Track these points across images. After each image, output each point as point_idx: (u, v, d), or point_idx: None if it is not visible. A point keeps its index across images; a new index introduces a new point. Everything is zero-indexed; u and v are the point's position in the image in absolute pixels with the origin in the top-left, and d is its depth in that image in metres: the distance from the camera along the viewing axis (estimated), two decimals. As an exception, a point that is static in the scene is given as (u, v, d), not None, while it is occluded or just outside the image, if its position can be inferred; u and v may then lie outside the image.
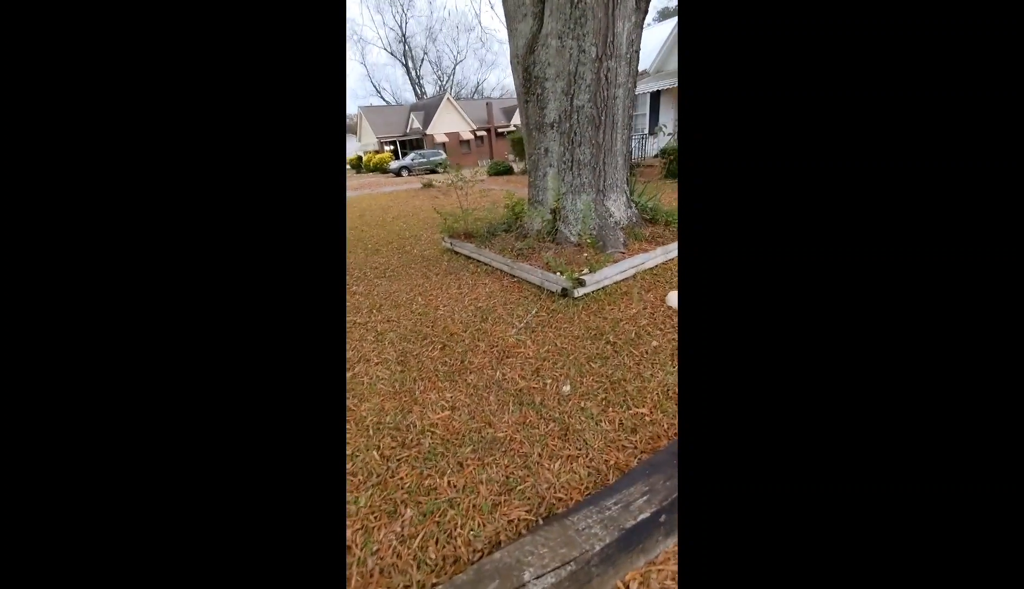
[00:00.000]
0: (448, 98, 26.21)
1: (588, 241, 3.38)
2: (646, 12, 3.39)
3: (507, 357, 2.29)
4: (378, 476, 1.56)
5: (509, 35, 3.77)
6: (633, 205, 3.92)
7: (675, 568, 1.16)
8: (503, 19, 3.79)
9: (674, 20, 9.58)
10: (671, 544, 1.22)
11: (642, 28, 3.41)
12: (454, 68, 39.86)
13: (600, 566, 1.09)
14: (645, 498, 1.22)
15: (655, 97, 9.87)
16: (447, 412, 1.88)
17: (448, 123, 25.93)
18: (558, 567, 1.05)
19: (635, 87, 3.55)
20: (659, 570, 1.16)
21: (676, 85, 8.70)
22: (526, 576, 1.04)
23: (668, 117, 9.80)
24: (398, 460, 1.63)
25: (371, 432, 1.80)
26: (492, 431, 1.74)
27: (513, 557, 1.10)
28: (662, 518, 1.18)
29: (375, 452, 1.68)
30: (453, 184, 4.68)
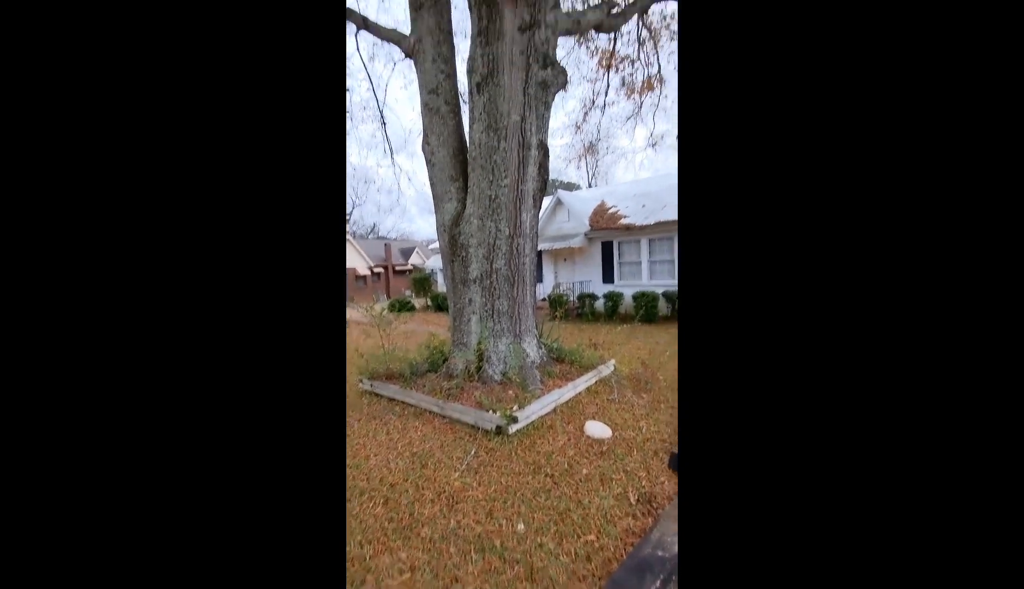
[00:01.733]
0: (347, 237, 27.29)
1: (516, 380, 3.80)
2: (540, 208, 4.68)
3: (457, 503, 2.31)
4: (339, 671, 1.38)
5: (436, 209, 4.66)
6: (542, 346, 4.61)
7: (658, 685, 1.30)
8: (418, 187, 4.69)
9: (547, 199, 12.66)
10: (649, 662, 1.37)
11: (538, 217, 4.63)
12: (352, 211, 42.65)
13: None
14: (621, 618, 1.39)
15: (539, 255, 12.24)
16: (407, 575, 1.79)
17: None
18: None
19: (536, 256, 4.61)
20: (647, 691, 1.28)
21: (554, 247, 11.04)
22: None
23: (550, 270, 12.07)
24: (360, 645, 1.47)
25: (318, 618, 1.59)
26: (460, 586, 1.71)
27: None
28: (639, 634, 1.36)
29: (329, 642, 1.48)
30: (377, 325, 4.85)
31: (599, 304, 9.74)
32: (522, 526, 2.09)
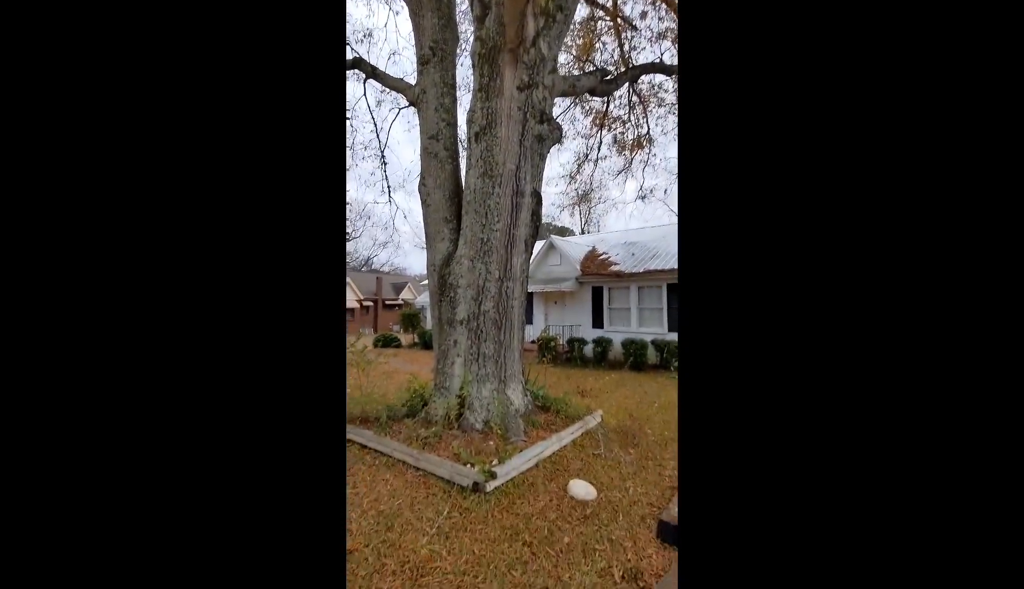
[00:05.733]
0: (339, 268, 27.14)
1: (498, 430, 3.60)
2: (531, 253, 4.69)
3: (421, 576, 2.07)
4: None
5: (427, 248, 4.64)
6: (528, 393, 4.44)
7: None
8: (413, 226, 4.68)
9: (539, 243, 12.85)
10: None
11: (529, 261, 4.63)
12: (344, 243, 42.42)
13: None
14: None
15: (529, 297, 12.23)
16: (354, 668, 1.54)
17: (334, 290, 26.11)
18: None
19: (525, 300, 4.56)
20: None
21: (545, 289, 11.07)
22: None
23: (540, 311, 12.04)
24: None
25: None
26: (416, 687, 1.47)
27: None
28: None
29: None
30: (357, 365, 4.65)
31: (588, 349, 9.63)
32: (493, 607, 1.86)
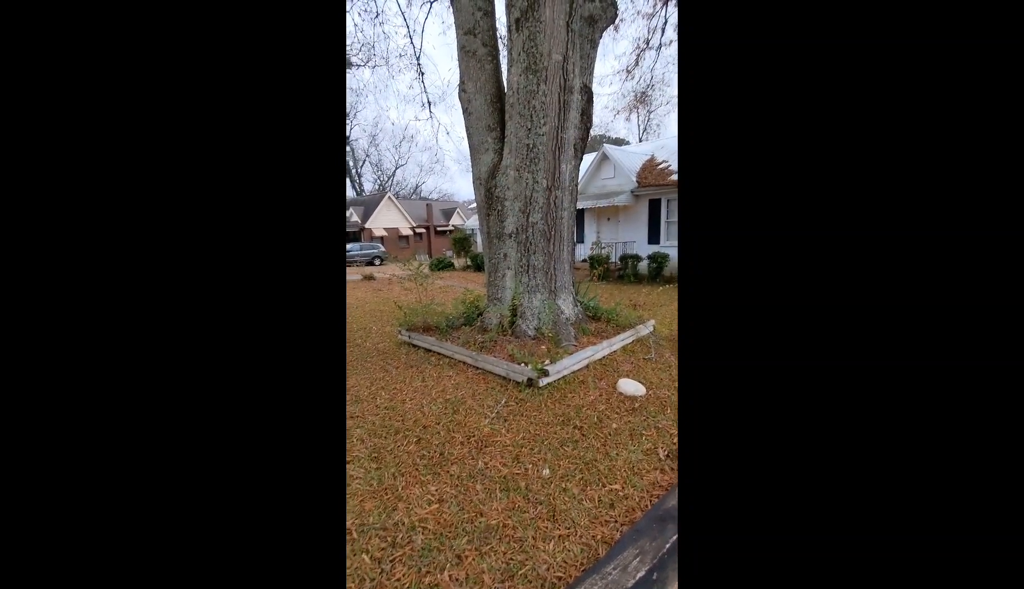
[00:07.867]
0: (389, 196, 27.79)
1: (549, 336, 3.78)
2: (581, 158, 4.41)
3: (485, 446, 2.39)
4: (372, 581, 1.51)
5: (472, 161, 4.54)
6: (578, 304, 4.51)
7: (674, 628, 1.31)
8: (457, 142, 4.55)
9: (591, 155, 11.95)
10: (666, 606, 1.37)
11: (579, 169, 4.38)
12: (395, 171, 42.81)
13: (615, 631, 1.21)
14: (638, 559, 1.39)
15: (580, 214, 11.76)
16: (435, 505, 1.90)
17: (388, 219, 27.11)
18: (580, 636, 1.15)
19: (575, 211, 4.41)
20: (661, 631, 1.29)
21: (597, 205, 10.56)
22: (553, 650, 1.12)
23: (591, 229, 11.64)
24: (391, 561, 1.60)
25: (355, 535, 1.74)
26: (484, 520, 1.79)
27: (535, 636, 1.17)
28: (654, 576, 1.35)
29: (364, 556, 1.62)
30: (415, 280, 4.98)
31: (643, 265, 9.33)
32: (547, 471, 2.13)
